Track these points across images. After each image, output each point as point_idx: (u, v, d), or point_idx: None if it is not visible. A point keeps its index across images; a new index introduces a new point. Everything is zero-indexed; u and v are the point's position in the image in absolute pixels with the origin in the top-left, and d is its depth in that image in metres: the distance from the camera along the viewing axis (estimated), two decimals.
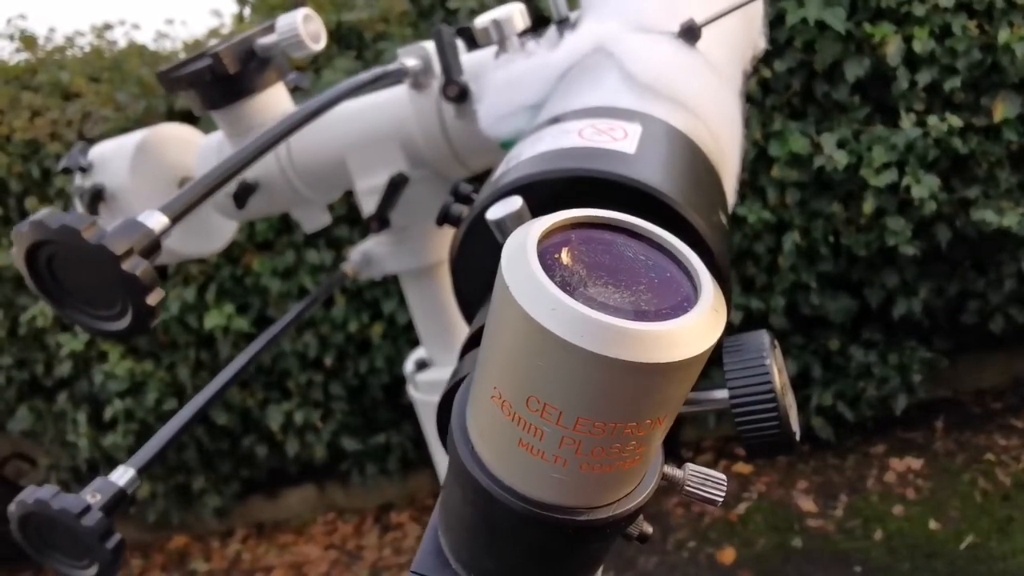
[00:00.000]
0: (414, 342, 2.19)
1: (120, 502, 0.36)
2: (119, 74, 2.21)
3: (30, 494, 0.34)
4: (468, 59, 0.55)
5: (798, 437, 0.25)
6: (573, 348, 0.14)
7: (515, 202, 0.24)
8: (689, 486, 0.20)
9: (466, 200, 0.31)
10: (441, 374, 0.65)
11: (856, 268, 1.85)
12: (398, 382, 2.14)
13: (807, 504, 1.92)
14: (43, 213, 0.27)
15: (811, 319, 1.92)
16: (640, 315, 0.15)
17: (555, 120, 0.31)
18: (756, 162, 1.77)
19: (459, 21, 1.87)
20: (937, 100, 1.69)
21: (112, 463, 2.35)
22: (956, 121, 1.63)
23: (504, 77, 0.39)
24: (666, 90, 0.34)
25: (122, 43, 2.49)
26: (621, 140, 0.28)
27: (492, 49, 0.54)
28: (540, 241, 0.16)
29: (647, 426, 0.16)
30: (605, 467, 0.16)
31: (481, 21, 0.50)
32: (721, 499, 0.20)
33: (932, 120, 1.65)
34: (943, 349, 1.93)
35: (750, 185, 1.80)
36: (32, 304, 2.19)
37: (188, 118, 2.02)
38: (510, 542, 0.19)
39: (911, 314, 1.84)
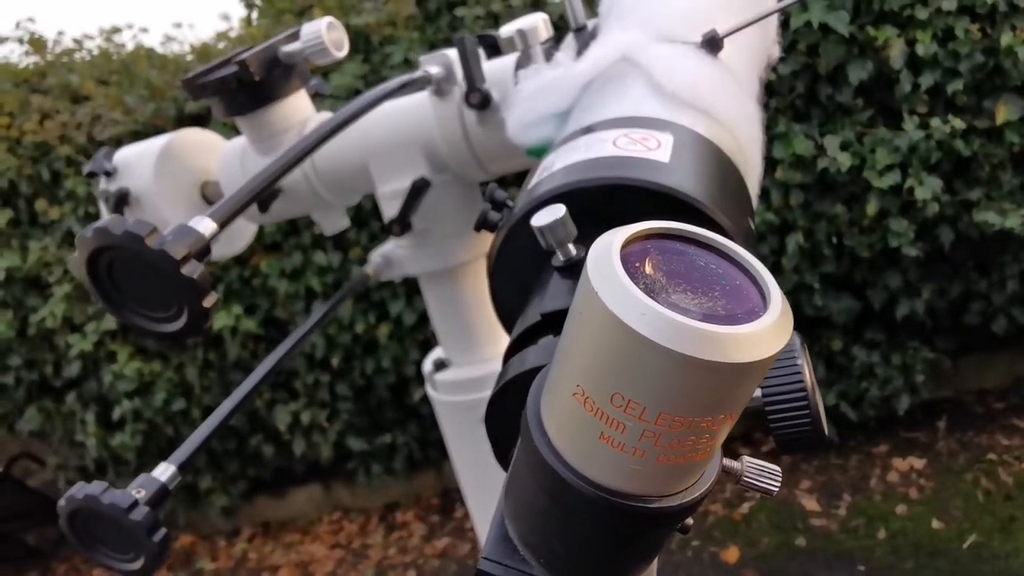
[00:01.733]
0: (421, 343, 2.21)
1: (164, 497, 0.37)
2: (128, 77, 2.23)
3: (79, 490, 0.35)
4: (489, 67, 0.56)
5: (826, 433, 0.27)
6: (662, 349, 0.15)
7: (559, 210, 0.25)
8: (747, 477, 0.21)
9: (502, 207, 0.32)
10: (459, 374, 0.67)
11: (859, 269, 1.86)
12: (404, 382, 2.15)
13: (811, 503, 1.93)
14: (107, 220, 0.28)
15: (814, 320, 1.93)
16: (718, 319, 0.16)
17: (588, 129, 0.33)
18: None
19: (465, 26, 1.88)
20: (940, 103, 1.71)
21: (120, 463, 2.37)
22: (959, 123, 1.64)
23: (532, 86, 0.40)
24: (693, 99, 0.36)
25: (130, 46, 2.50)
26: (655, 150, 0.29)
27: (512, 57, 0.55)
28: (620, 250, 0.17)
29: (720, 421, 0.17)
30: (679, 458, 0.18)
31: (506, 31, 0.51)
32: (776, 489, 0.21)
33: (935, 122, 1.66)
34: (946, 350, 1.95)
35: None
36: (42, 305, 2.21)
37: (199, 121, 2.04)
38: (582, 528, 0.20)
39: (914, 315, 1.86)
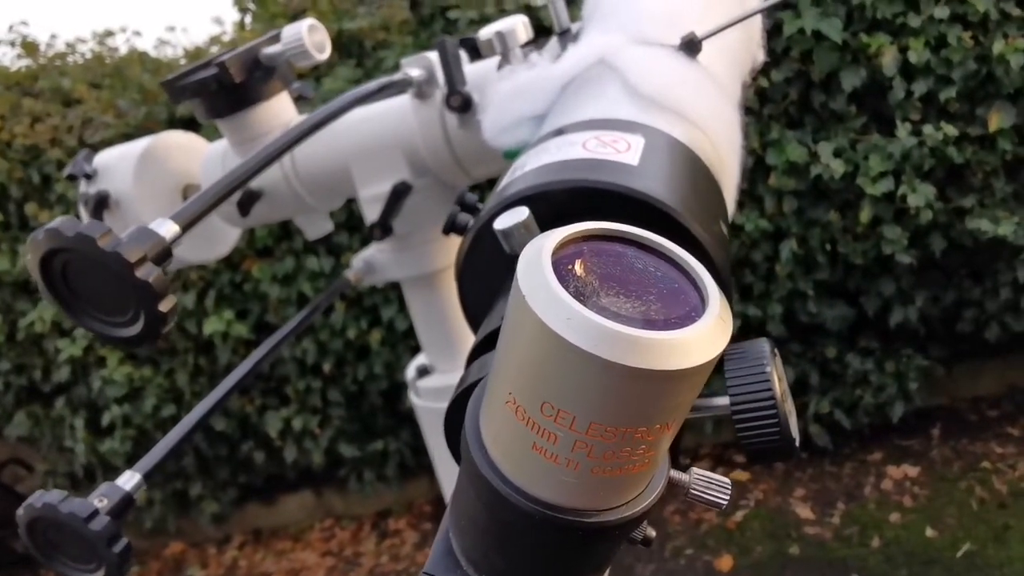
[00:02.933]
0: (413, 349, 2.20)
1: (127, 507, 0.36)
2: (120, 80, 2.22)
3: (38, 498, 0.34)
4: (471, 70, 0.55)
5: (797, 443, 0.26)
6: (587, 356, 0.15)
7: (522, 212, 0.24)
8: (694, 489, 0.20)
9: (472, 209, 0.31)
10: (442, 381, 0.66)
11: (853, 276, 1.86)
12: (397, 388, 2.14)
13: (804, 511, 1.92)
14: (58, 221, 0.27)
15: (808, 327, 1.92)
16: (650, 324, 0.16)
17: (559, 132, 0.32)
18: (754, 171, 1.78)
19: (459, 30, 1.88)
20: (933, 110, 1.71)
21: (109, 469, 2.35)
22: (952, 131, 1.64)
23: (507, 89, 0.40)
24: (668, 102, 0.35)
25: (123, 50, 2.50)
26: (624, 152, 0.28)
27: (494, 60, 0.55)
28: (554, 252, 0.16)
29: (656, 431, 0.17)
30: (615, 470, 0.17)
31: (485, 33, 0.51)
32: (725, 503, 0.21)
33: (928, 130, 1.66)
34: (939, 357, 1.94)
35: (748, 193, 1.81)
36: (31, 309, 2.19)
37: (190, 125, 2.03)
38: (521, 543, 0.19)
39: (907, 322, 1.85)
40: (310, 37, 0.57)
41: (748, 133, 1.75)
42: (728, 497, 0.20)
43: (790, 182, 1.75)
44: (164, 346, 2.25)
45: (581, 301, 0.15)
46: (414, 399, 0.68)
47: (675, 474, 0.20)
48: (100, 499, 0.35)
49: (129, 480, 0.37)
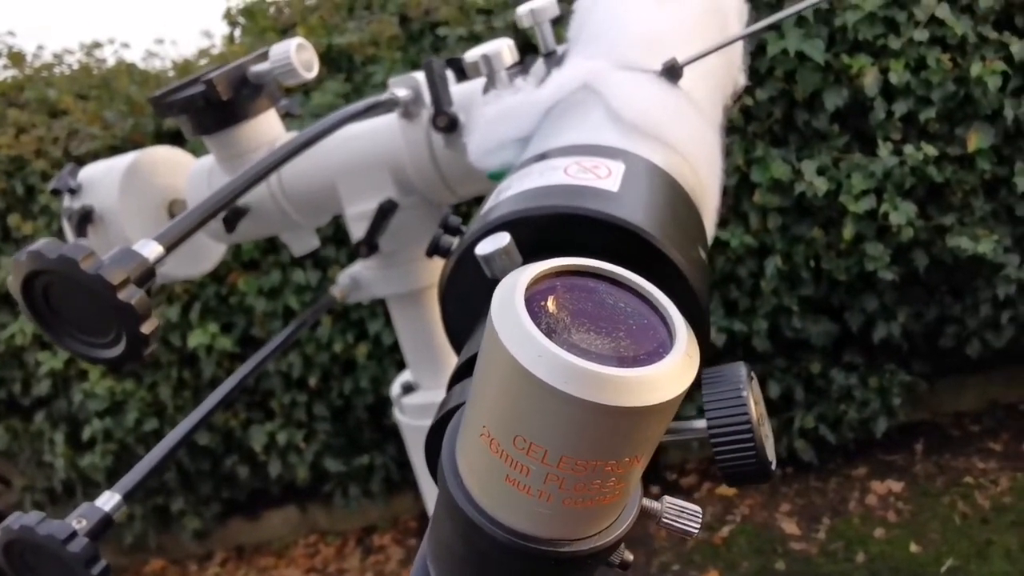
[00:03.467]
0: (400, 363, 2.19)
1: (106, 528, 0.36)
2: (107, 92, 2.21)
3: (15, 520, 0.34)
4: (457, 90, 0.56)
5: (774, 467, 0.26)
6: (557, 392, 0.15)
7: (503, 238, 0.25)
8: (666, 518, 0.20)
9: (455, 232, 0.32)
10: (427, 398, 0.66)
11: (836, 292, 1.88)
12: (383, 403, 2.13)
13: (790, 527, 1.93)
14: (41, 243, 0.27)
15: (793, 342, 1.94)
16: (619, 361, 0.16)
17: (542, 156, 0.33)
18: (739, 187, 1.81)
19: (448, 47, 1.90)
20: (913, 130, 1.74)
21: (89, 484, 2.32)
22: (931, 150, 1.67)
23: (493, 112, 0.40)
24: (649, 128, 0.36)
25: (111, 62, 2.49)
26: (605, 178, 0.29)
27: (480, 81, 0.56)
28: (528, 287, 0.16)
29: (626, 464, 0.17)
30: (587, 502, 0.17)
31: (471, 55, 0.51)
32: (696, 531, 0.21)
33: (909, 149, 1.69)
34: (922, 373, 1.96)
35: (733, 210, 1.83)
36: (12, 321, 2.17)
37: (177, 138, 2.02)
38: (497, 572, 0.19)
39: (891, 338, 1.87)
40: (298, 56, 0.57)
41: (733, 151, 1.77)
42: (698, 526, 0.21)
43: (774, 199, 1.77)
44: (148, 360, 2.23)
45: (552, 337, 0.16)
46: (398, 416, 0.68)
47: (647, 503, 0.20)
48: (78, 520, 0.35)
49: (108, 501, 0.37)
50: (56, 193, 0.69)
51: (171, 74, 2.30)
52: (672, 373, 0.16)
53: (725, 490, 2.10)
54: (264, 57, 0.59)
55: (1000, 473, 1.90)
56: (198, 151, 0.73)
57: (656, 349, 0.17)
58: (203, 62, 2.23)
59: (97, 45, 2.44)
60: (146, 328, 0.28)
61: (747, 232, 1.82)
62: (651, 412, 0.16)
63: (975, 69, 1.64)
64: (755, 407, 0.26)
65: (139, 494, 0.37)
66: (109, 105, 2.18)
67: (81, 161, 2.15)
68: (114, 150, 2.08)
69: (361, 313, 2.03)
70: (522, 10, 0.54)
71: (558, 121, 0.39)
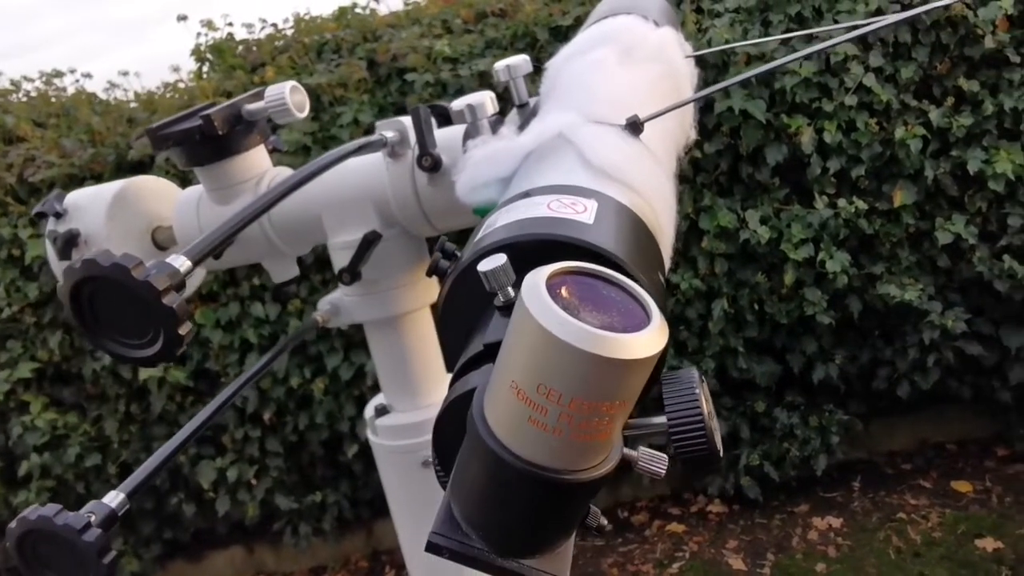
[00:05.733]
0: (357, 398, 2.18)
1: (113, 523, 0.39)
2: (66, 121, 2.20)
3: (32, 511, 0.36)
4: (440, 134, 0.62)
5: (721, 454, 0.32)
6: (573, 348, 0.21)
7: (500, 258, 0.30)
8: (642, 462, 0.26)
9: (451, 256, 0.37)
10: (401, 419, 0.69)
11: (779, 335, 1.99)
12: (338, 438, 2.12)
13: (737, 563, 1.98)
14: (95, 253, 0.31)
15: (739, 382, 2.03)
16: (614, 329, 0.22)
17: (526, 194, 0.38)
18: (688, 234, 1.91)
19: (415, 92, 1.97)
20: (846, 185, 1.89)
21: None
22: (862, 204, 1.82)
23: (480, 154, 0.46)
24: (615, 173, 0.42)
25: (71, 91, 2.48)
26: (582, 213, 0.35)
27: (461, 127, 0.61)
28: (546, 281, 0.22)
29: (617, 406, 0.23)
30: (588, 436, 0.23)
31: (457, 104, 0.57)
32: (663, 473, 0.26)
33: (842, 203, 1.83)
34: (858, 413, 2.08)
35: (682, 255, 1.93)
36: None
37: (140, 168, 2.03)
38: (515, 500, 0.25)
39: (828, 379, 1.98)
40: (292, 97, 0.62)
41: (683, 200, 1.89)
42: (665, 469, 0.26)
43: (721, 245, 1.89)
44: (93, 391, 2.17)
45: (568, 313, 0.22)
46: (372, 437, 0.71)
47: (627, 451, 0.26)
48: (89, 514, 0.37)
49: (114, 499, 0.40)
50: (41, 216, 0.71)
51: (133, 105, 2.30)
52: (651, 339, 0.22)
53: (675, 527, 2.15)
54: (259, 96, 0.64)
55: (930, 509, 2.01)
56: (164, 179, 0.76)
57: (638, 324, 0.23)
58: (168, 95, 2.25)
59: (58, 74, 2.43)
60: (183, 330, 0.32)
61: (696, 276, 1.92)
62: (637, 364, 0.22)
63: (899, 133, 1.80)
64: (706, 404, 0.32)
65: (142, 493, 0.39)
66: (68, 133, 2.16)
67: (37, 189, 2.12)
68: (72, 179, 2.06)
69: (320, 347, 2.04)
70: (499, 66, 0.60)
71: (537, 164, 0.44)
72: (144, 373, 2.00)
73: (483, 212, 0.46)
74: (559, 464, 0.23)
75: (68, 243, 0.69)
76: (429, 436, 0.74)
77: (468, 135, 0.58)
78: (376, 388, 2.20)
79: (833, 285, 1.86)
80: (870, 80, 1.80)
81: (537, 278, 0.23)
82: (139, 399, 2.13)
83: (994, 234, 1.88)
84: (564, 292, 0.23)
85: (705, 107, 1.82)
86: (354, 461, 2.10)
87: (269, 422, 2.08)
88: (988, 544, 1.84)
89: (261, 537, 2.30)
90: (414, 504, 0.70)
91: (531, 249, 0.33)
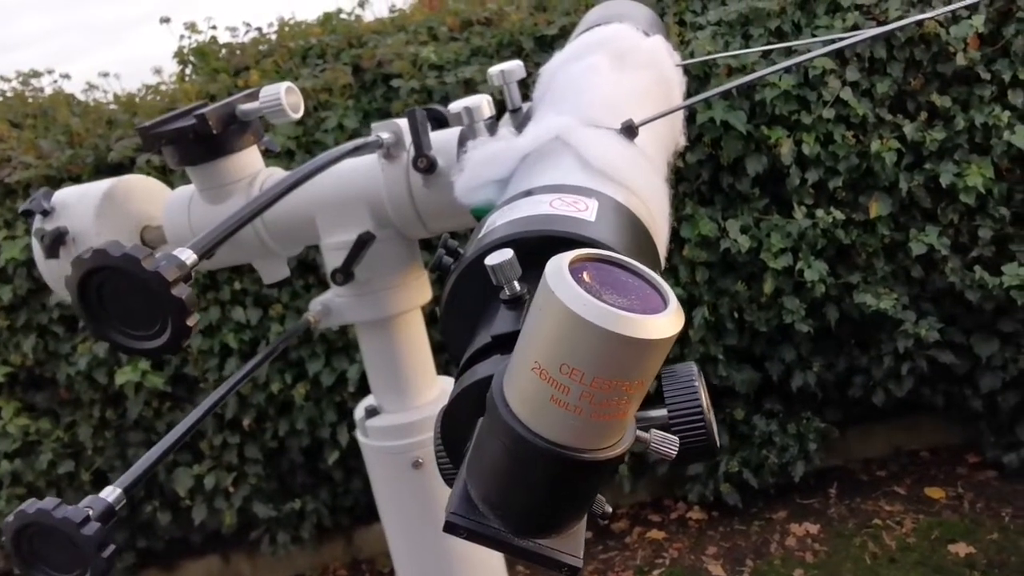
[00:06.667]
0: (338, 404, 2.17)
1: (111, 517, 0.39)
2: (44, 121, 2.17)
3: (30, 505, 0.36)
4: (435, 137, 0.62)
5: (718, 445, 0.33)
6: (596, 328, 0.22)
7: (507, 253, 0.31)
8: (654, 444, 0.27)
9: (454, 253, 0.37)
10: (391, 420, 0.70)
11: (758, 342, 2.01)
12: (318, 445, 2.10)
13: (716, 569, 2.00)
14: (105, 244, 0.31)
15: (719, 389, 2.05)
16: (634, 311, 0.23)
17: (528, 193, 0.39)
18: (669, 242, 1.93)
19: (400, 98, 1.98)
20: (824, 196, 1.93)
21: None
22: (839, 215, 1.86)
23: (479, 156, 0.47)
24: (612, 174, 0.43)
25: (49, 92, 2.44)
26: (584, 211, 0.36)
27: (456, 130, 0.62)
28: (569, 266, 0.23)
29: (635, 386, 0.24)
30: (607, 416, 0.24)
31: (455, 107, 0.58)
32: (674, 455, 0.27)
33: (820, 213, 1.87)
34: (834, 420, 2.11)
35: (665, 263, 1.95)
36: None
37: (119, 170, 2.00)
38: (533, 479, 0.25)
39: (806, 386, 2.02)
40: (287, 98, 0.63)
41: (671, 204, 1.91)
42: (676, 451, 0.27)
43: (702, 254, 1.91)
44: (67, 397, 2.13)
45: (591, 295, 0.22)
46: (361, 439, 0.71)
47: (640, 433, 0.27)
48: (87, 508, 0.37)
49: (111, 494, 0.39)
50: (28, 214, 0.70)
51: (113, 107, 2.28)
52: (669, 320, 0.23)
53: (655, 534, 2.16)
54: (254, 97, 0.64)
55: (904, 515, 2.04)
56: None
57: (656, 307, 0.24)
58: (149, 97, 2.23)
59: (36, 74, 2.40)
60: (190, 321, 0.32)
61: (677, 284, 1.94)
62: (656, 344, 0.23)
63: (874, 146, 1.85)
64: (704, 397, 0.32)
65: (138, 488, 0.39)
66: (45, 134, 2.13)
67: (12, 190, 2.08)
68: (48, 180, 2.03)
69: (301, 353, 2.02)
70: (493, 71, 0.61)
71: (535, 165, 0.45)
72: (121, 377, 1.97)
73: (481, 212, 0.47)
74: (579, 443, 0.24)
75: (56, 241, 0.69)
76: (419, 437, 0.74)
77: (465, 137, 0.59)
78: (358, 394, 2.20)
79: (811, 294, 1.89)
80: (847, 94, 1.85)
81: (561, 263, 0.24)
82: (115, 405, 2.10)
83: (965, 245, 1.93)
84: (586, 276, 0.24)
85: (687, 118, 1.84)
86: (334, 468, 2.09)
87: (249, 428, 2.06)
88: (960, 549, 1.88)
89: (237, 545, 2.27)
90: (404, 506, 0.70)
91: (536, 245, 0.33)
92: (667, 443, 0.27)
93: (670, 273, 1.95)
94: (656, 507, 2.25)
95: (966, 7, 1.77)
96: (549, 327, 0.23)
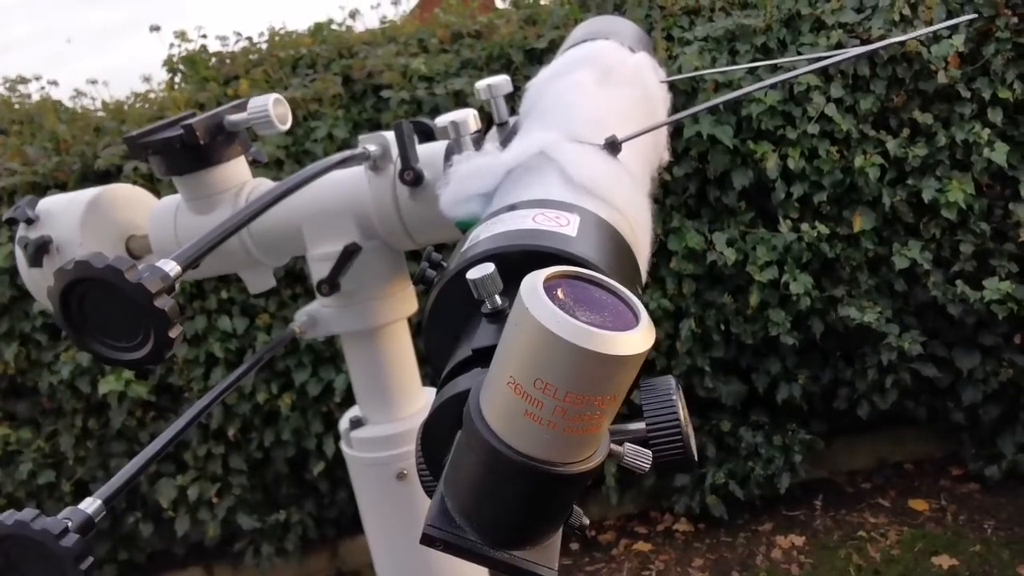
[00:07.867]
0: (324, 415, 2.16)
1: (90, 529, 0.38)
2: (31, 128, 2.16)
3: (8, 516, 0.36)
4: (421, 149, 0.63)
5: (696, 459, 0.33)
6: (569, 344, 0.23)
7: (488, 267, 0.31)
8: (627, 457, 0.27)
9: (437, 266, 0.38)
10: (376, 431, 0.70)
11: (744, 355, 2.03)
12: (304, 455, 2.08)
13: None
14: (87, 255, 0.31)
15: (706, 401, 2.06)
16: (606, 328, 0.24)
17: (512, 207, 0.40)
18: (656, 255, 1.95)
19: (390, 108, 1.99)
20: (808, 210, 1.95)
21: None
22: (824, 229, 1.88)
23: (464, 169, 0.47)
24: (595, 189, 0.44)
25: (36, 98, 2.43)
26: (565, 226, 0.36)
27: (443, 143, 0.63)
28: (544, 283, 0.23)
29: (608, 401, 0.24)
30: (580, 430, 0.24)
31: (441, 120, 0.59)
32: (647, 467, 0.28)
33: (805, 227, 1.89)
34: (819, 432, 2.13)
35: (651, 275, 1.97)
36: None
37: (106, 178, 1.99)
38: (509, 492, 0.26)
39: (792, 399, 2.03)
40: (275, 109, 0.63)
41: (653, 220, 1.93)
42: (649, 465, 0.27)
43: (689, 266, 1.93)
44: (49, 406, 2.11)
45: (564, 312, 0.23)
46: (346, 450, 0.71)
47: (614, 447, 0.27)
48: (66, 520, 0.37)
49: (91, 505, 0.39)
50: (12, 222, 0.70)
51: (101, 114, 2.27)
52: (640, 337, 0.24)
53: (642, 546, 2.16)
54: (242, 108, 0.64)
55: (889, 527, 2.06)
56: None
57: (627, 324, 0.25)
58: (138, 105, 2.22)
59: (23, 80, 2.39)
60: (173, 332, 0.32)
61: (664, 296, 1.96)
62: (627, 360, 0.23)
63: (858, 161, 1.87)
64: (682, 410, 0.33)
65: (118, 500, 0.39)
66: (31, 141, 2.12)
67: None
68: (34, 187, 2.02)
69: (288, 363, 2.01)
70: (480, 85, 0.62)
71: (519, 180, 0.46)
72: (104, 387, 1.95)
73: (465, 226, 0.47)
74: (553, 456, 0.25)
75: (40, 250, 0.68)
76: (404, 448, 0.75)
77: (451, 151, 0.60)
78: (344, 404, 2.18)
79: (796, 307, 1.91)
80: (831, 110, 1.88)
81: (535, 280, 0.24)
82: (97, 414, 2.08)
83: (947, 260, 1.95)
84: (560, 294, 0.24)
85: (675, 132, 1.87)
86: (320, 479, 2.07)
87: (234, 438, 2.04)
88: (944, 561, 1.89)
89: (221, 557, 2.24)
90: (388, 517, 0.70)
91: (517, 259, 0.34)
92: (640, 456, 0.28)
93: (657, 285, 1.97)
94: (643, 519, 2.25)
95: (947, 27, 1.80)
96: (524, 343, 0.23)
